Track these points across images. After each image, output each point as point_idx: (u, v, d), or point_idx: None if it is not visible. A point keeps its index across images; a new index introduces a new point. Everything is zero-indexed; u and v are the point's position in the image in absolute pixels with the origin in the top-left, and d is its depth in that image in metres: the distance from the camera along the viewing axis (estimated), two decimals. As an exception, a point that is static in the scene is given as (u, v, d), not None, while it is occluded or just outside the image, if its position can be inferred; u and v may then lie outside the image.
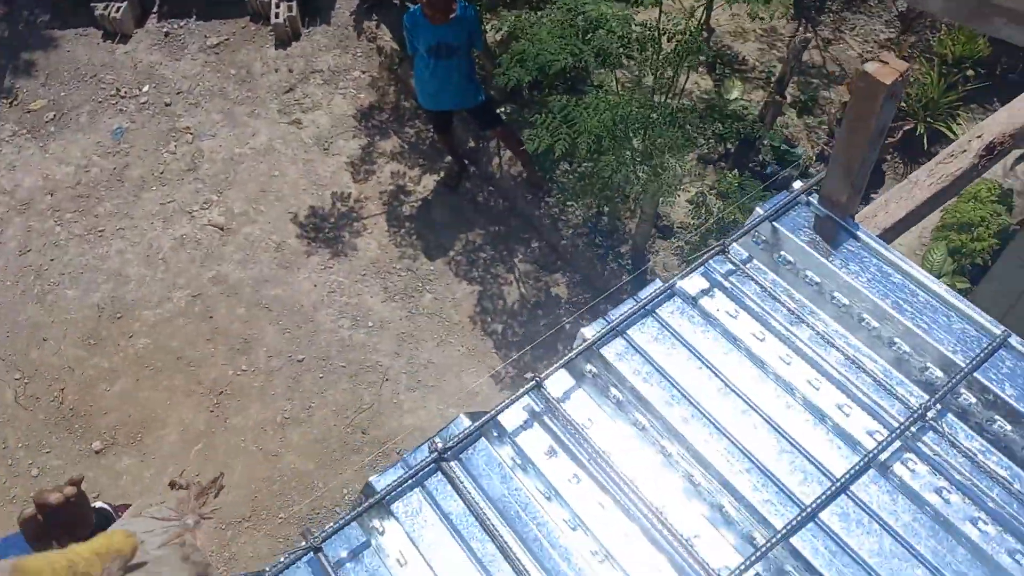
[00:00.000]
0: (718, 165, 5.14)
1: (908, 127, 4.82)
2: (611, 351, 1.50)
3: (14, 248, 5.24)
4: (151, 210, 5.33)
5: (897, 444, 1.37)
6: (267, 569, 1.34)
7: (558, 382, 1.48)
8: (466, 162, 5.40)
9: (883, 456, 1.39)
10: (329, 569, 1.33)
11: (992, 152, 2.01)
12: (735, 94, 4.91)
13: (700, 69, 5.41)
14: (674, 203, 4.91)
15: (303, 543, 1.34)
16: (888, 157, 5.02)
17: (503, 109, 5.32)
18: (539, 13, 3.82)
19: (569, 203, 5.08)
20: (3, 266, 5.16)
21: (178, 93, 5.84)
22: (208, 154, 5.56)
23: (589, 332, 1.51)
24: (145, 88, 5.87)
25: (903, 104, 5.00)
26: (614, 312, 1.53)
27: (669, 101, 3.90)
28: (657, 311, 1.54)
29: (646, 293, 1.53)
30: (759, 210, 1.65)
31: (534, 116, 3.61)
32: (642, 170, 3.84)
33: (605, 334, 1.51)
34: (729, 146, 5.13)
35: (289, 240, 5.18)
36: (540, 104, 4.70)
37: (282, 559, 1.31)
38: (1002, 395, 1.42)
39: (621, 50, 3.45)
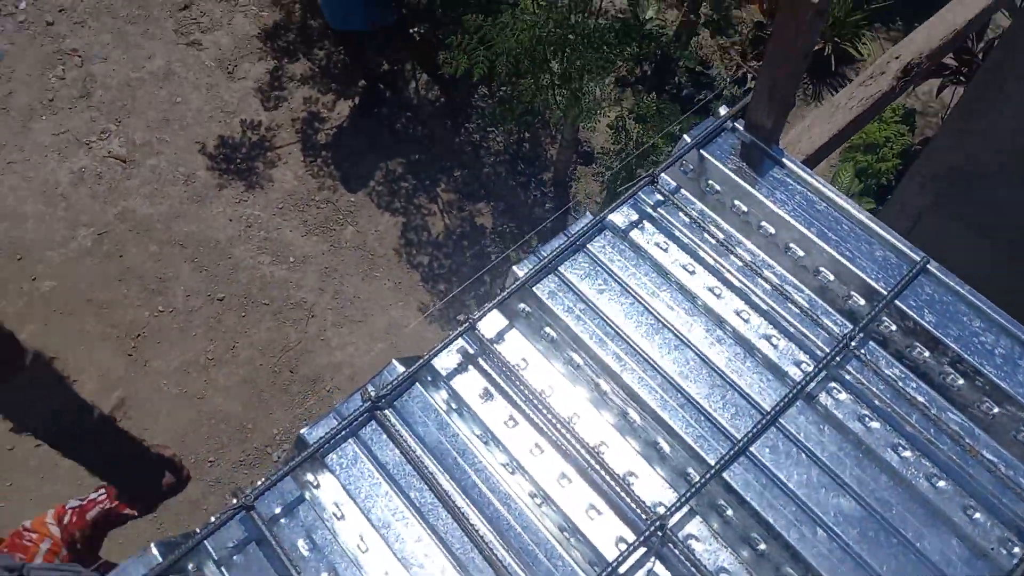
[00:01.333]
0: (636, 88, 5.32)
1: (816, 48, 5.09)
2: (543, 289, 1.58)
3: None
4: (43, 141, 5.13)
5: (823, 375, 1.53)
6: (198, 530, 1.37)
7: (491, 323, 1.58)
8: (381, 86, 5.38)
9: (810, 387, 1.53)
10: (263, 526, 1.37)
11: (910, 74, 2.18)
12: (650, 13, 5.05)
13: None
14: (594, 128, 5.08)
15: (234, 501, 1.37)
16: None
17: (416, 29, 5.29)
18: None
19: (489, 129, 5.19)
20: None
21: (60, 11, 5.51)
22: (101, 79, 5.34)
23: (521, 271, 1.63)
24: (22, 5, 5.51)
25: None
26: (545, 248, 1.62)
27: (586, 20, 4.00)
28: (588, 246, 1.66)
29: (576, 228, 1.64)
30: (687, 138, 1.75)
31: (450, 37, 3.63)
32: (561, 94, 3.96)
33: (537, 271, 1.61)
34: (646, 68, 5.30)
35: (199, 172, 5.11)
36: (454, 23, 4.70)
37: (213, 519, 1.36)
38: (921, 322, 1.56)
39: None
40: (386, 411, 1.51)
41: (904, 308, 1.62)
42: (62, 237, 4.90)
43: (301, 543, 1.38)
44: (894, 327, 1.62)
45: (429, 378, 1.61)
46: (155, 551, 1.31)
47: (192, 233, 4.94)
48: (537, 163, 5.20)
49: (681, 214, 1.73)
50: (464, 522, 1.37)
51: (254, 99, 5.36)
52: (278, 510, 1.42)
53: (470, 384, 1.59)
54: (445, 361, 1.60)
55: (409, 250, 4.95)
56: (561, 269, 1.67)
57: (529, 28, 3.43)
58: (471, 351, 1.62)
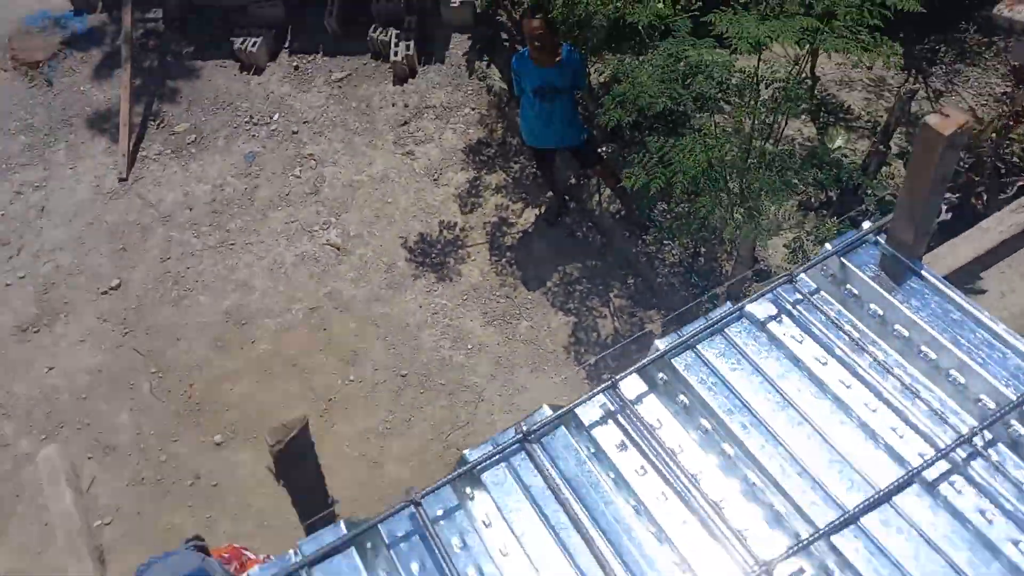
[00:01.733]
0: (819, 212, 5.41)
1: (1020, 182, 4.95)
2: (681, 362, 1.86)
3: (156, 256, 6.06)
4: (276, 228, 6.07)
5: (945, 466, 1.62)
6: (372, 517, 1.69)
7: (631, 385, 1.84)
8: (566, 198, 5.88)
9: (930, 475, 1.62)
10: (427, 522, 1.68)
11: None
12: (839, 142, 5.19)
13: (803, 117, 5.72)
14: (772, 247, 5.21)
15: (407, 499, 1.71)
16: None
17: (604, 148, 5.78)
18: (641, 58, 4.25)
19: (666, 242, 5.47)
20: (146, 271, 5.98)
21: (304, 122, 6.60)
22: (329, 179, 6.27)
23: (662, 344, 1.88)
24: (275, 117, 6.67)
25: (1017, 159, 5.12)
26: (686, 328, 1.88)
27: (767, 146, 4.24)
28: (726, 330, 1.88)
29: (716, 313, 1.88)
30: (828, 246, 1.94)
31: (633, 156, 4.02)
32: (738, 212, 4.18)
33: (676, 346, 1.87)
34: (831, 194, 5.40)
35: (399, 263, 5.79)
36: (639, 144, 5.13)
37: (386, 509, 1.70)
38: None
39: (719, 95, 3.83)
40: (534, 444, 1.77)
41: None
42: (280, 308, 5.69)
43: (455, 541, 1.64)
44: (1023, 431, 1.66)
45: (574, 424, 1.86)
46: (343, 526, 1.62)
47: (386, 315, 5.55)
48: (711, 277, 5.37)
49: (818, 312, 1.90)
50: (591, 544, 1.56)
51: (453, 203, 6.04)
52: (439, 512, 1.70)
53: (608, 434, 1.83)
54: (588, 412, 1.86)
55: (578, 348, 5.23)
56: (699, 347, 1.89)
57: (709, 150, 3.75)
58: (612, 407, 1.87)
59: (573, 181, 5.94)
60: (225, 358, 5.53)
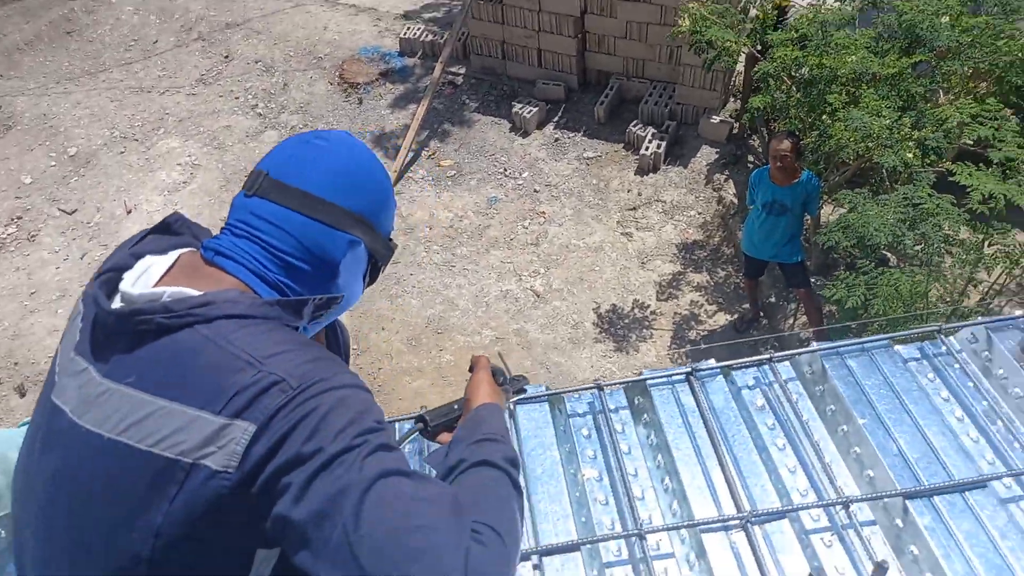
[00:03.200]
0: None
1: None
2: (829, 361, 2.18)
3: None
4: (493, 264, 6.76)
5: (1013, 487, 1.84)
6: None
7: (783, 369, 2.22)
8: (761, 313, 6.05)
9: (999, 488, 1.83)
10: (605, 405, 2.13)
11: None
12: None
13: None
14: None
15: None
16: None
17: (814, 280, 5.92)
18: (876, 196, 4.44)
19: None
20: (378, 266, 6.88)
21: (547, 185, 7.36)
22: (551, 237, 6.92)
23: (815, 344, 2.21)
24: (524, 174, 7.50)
25: None
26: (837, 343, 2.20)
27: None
28: (873, 353, 2.16)
29: (869, 342, 2.18)
30: (980, 318, 2.22)
31: (841, 274, 4.21)
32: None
33: (825, 350, 2.20)
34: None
35: (586, 323, 6.22)
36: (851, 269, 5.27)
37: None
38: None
39: (944, 245, 3.94)
40: (696, 381, 2.13)
41: None
42: (472, 330, 6.30)
43: (617, 427, 2.07)
44: None
45: (730, 380, 2.23)
46: (544, 387, 2.08)
47: (559, 364, 5.97)
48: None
49: (953, 366, 2.12)
50: (722, 460, 1.87)
51: (652, 288, 6.41)
52: (612, 406, 2.15)
53: (753, 396, 2.09)
54: (742, 377, 2.19)
55: (727, 450, 5.30)
56: (845, 357, 2.16)
57: (916, 285, 3.87)
58: (765, 379, 2.17)
59: (772, 300, 6.10)
60: (414, 355, 6.19)
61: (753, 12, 5.92)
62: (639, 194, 7.15)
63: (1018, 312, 2.16)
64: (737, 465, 1.95)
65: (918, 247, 3.81)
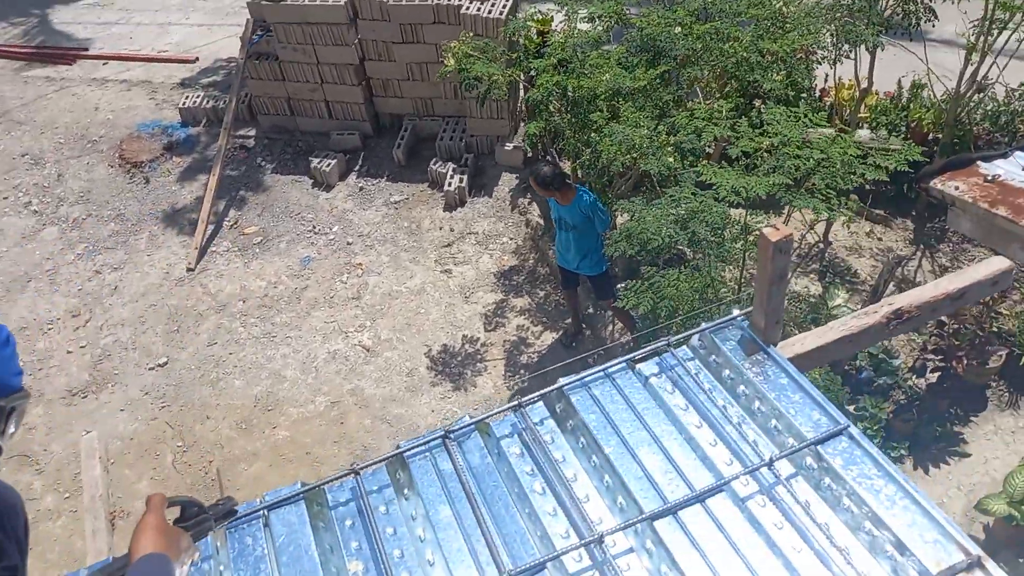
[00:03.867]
0: (819, 363, 5.61)
1: (1003, 351, 5.10)
2: (576, 396, 2.30)
3: (204, 340, 6.60)
4: (316, 325, 6.57)
5: (752, 484, 2.00)
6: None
7: (536, 410, 2.23)
8: (583, 325, 6.23)
9: (740, 489, 2.01)
10: (363, 491, 2.05)
11: (901, 318, 2.55)
12: (838, 301, 5.47)
13: (811, 275, 6.05)
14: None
15: (354, 466, 2.05)
16: (993, 383, 5.27)
17: (623, 285, 6.17)
18: (651, 203, 4.71)
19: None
20: (193, 353, 6.50)
21: (360, 236, 7.26)
22: (372, 287, 6.82)
23: (564, 380, 2.26)
24: (335, 228, 7.36)
25: (994, 330, 5.27)
26: (585, 372, 2.27)
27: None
28: (615, 378, 2.27)
29: (610, 366, 2.27)
30: (704, 323, 2.40)
31: (629, 282, 4.44)
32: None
33: (573, 383, 2.33)
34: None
35: (420, 368, 6.16)
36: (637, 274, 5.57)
37: (328, 476, 2.06)
38: (832, 464, 2.02)
39: (712, 238, 4.22)
40: (452, 442, 2.11)
41: (822, 452, 2.10)
42: (304, 399, 6.07)
43: (381, 508, 2.02)
44: (815, 465, 2.06)
45: (487, 433, 2.20)
46: (299, 484, 1.98)
47: (400, 416, 5.87)
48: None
49: (686, 372, 2.28)
50: (481, 522, 1.86)
51: (479, 320, 6.46)
52: (375, 487, 2.07)
53: (511, 444, 2.15)
54: (499, 427, 2.19)
55: (574, 466, 5.39)
56: (591, 386, 2.25)
57: (693, 282, 4.13)
58: (520, 425, 2.20)
59: (591, 311, 6.31)
60: (247, 440, 5.88)
61: (522, 40, 6.14)
62: (451, 230, 7.20)
63: (736, 312, 2.35)
64: (496, 522, 1.97)
65: (693, 244, 4.06)
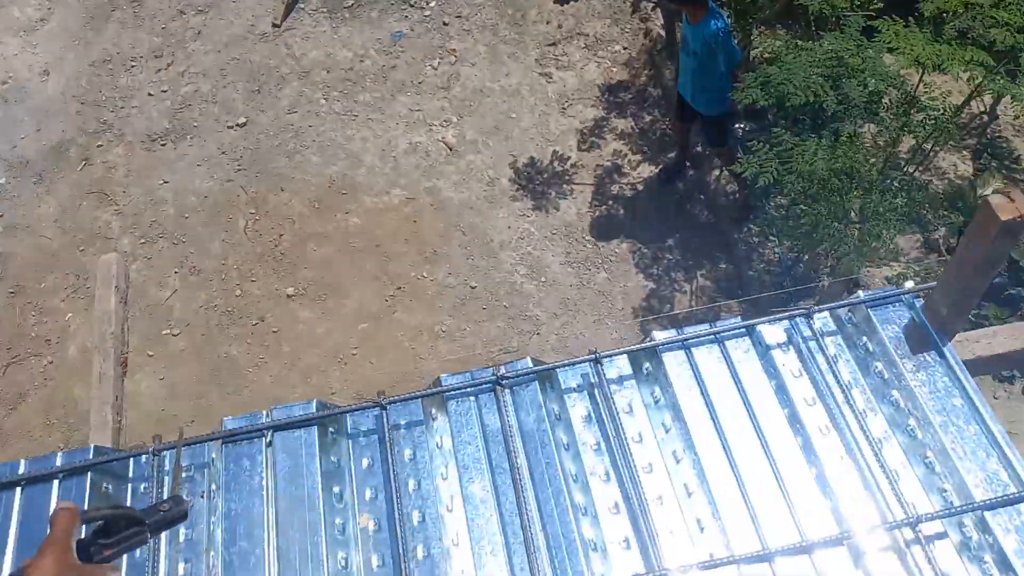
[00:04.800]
0: (941, 257, 4.99)
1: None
2: (672, 358, 1.80)
3: (285, 105, 6.27)
4: (400, 112, 6.13)
5: (884, 547, 1.56)
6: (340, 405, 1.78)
7: (616, 366, 1.81)
8: (688, 164, 5.64)
9: (865, 549, 1.57)
10: (386, 427, 1.75)
11: None
12: (989, 190, 4.72)
13: (964, 152, 5.21)
14: (873, 275, 4.87)
15: (380, 400, 1.76)
16: None
17: (741, 125, 5.48)
18: (803, 46, 3.93)
19: (771, 238, 5.19)
20: (273, 118, 6.20)
21: (457, 16, 6.55)
22: (463, 79, 6.25)
23: (660, 336, 1.82)
24: (432, 4, 6.65)
25: None
26: (687, 329, 1.81)
27: (909, 175, 3.89)
28: (726, 342, 1.80)
29: (722, 324, 1.80)
30: (861, 293, 1.84)
31: (756, 142, 3.81)
32: (852, 232, 3.91)
33: (671, 342, 1.82)
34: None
35: (502, 179, 5.76)
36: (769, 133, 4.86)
37: (353, 404, 1.76)
38: (1000, 542, 1.55)
39: (865, 104, 3.52)
40: (504, 390, 1.76)
41: (992, 524, 1.61)
42: (380, 189, 5.81)
43: (407, 452, 1.68)
44: (974, 536, 1.54)
45: (549, 385, 1.84)
46: (314, 405, 1.68)
47: (475, 225, 5.58)
48: (805, 284, 5.09)
49: (824, 354, 1.79)
50: (520, 495, 1.56)
51: (573, 137, 5.91)
52: (403, 421, 1.73)
53: (577, 403, 1.79)
54: (566, 378, 1.82)
55: (645, 315, 5.12)
56: (693, 349, 1.81)
57: (833, 160, 3.49)
58: (592, 380, 1.82)
59: (699, 149, 5.68)
60: (318, 220, 5.73)
61: None
62: (559, 26, 6.41)
63: (908, 284, 1.81)
64: (542, 513, 1.62)
65: (843, 111, 3.38)
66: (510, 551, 1.51)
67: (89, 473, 1.60)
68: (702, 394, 1.73)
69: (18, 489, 1.57)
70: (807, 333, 1.82)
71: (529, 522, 1.53)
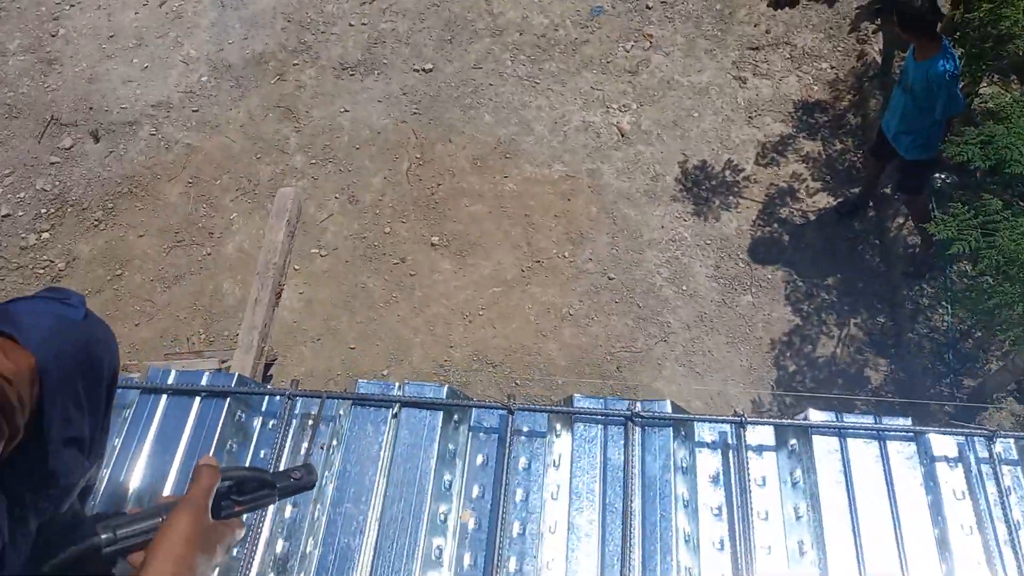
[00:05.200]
0: None
1: None
2: (822, 443, 1.66)
3: (472, 60, 6.34)
4: (581, 87, 6.06)
5: None
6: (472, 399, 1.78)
7: (759, 433, 1.69)
8: (871, 203, 5.26)
9: None
10: (509, 430, 1.72)
11: None
12: None
13: None
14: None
15: (505, 402, 1.75)
16: None
17: (942, 176, 5.03)
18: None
19: (943, 304, 4.78)
20: (457, 69, 6.30)
21: (663, 2, 6.36)
22: (652, 67, 6.08)
23: (816, 416, 1.68)
24: (641, -16, 6.48)
25: None
26: (850, 416, 1.67)
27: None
28: (887, 440, 1.64)
29: (886, 421, 1.64)
30: None
31: (958, 203, 3.48)
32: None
33: (826, 427, 1.68)
34: None
35: (667, 176, 5.60)
36: (974, 193, 4.41)
37: (475, 399, 1.74)
38: None
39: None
40: (635, 427, 1.68)
41: None
42: (542, 160, 5.79)
43: (522, 461, 1.65)
44: None
45: (683, 434, 1.74)
46: (445, 391, 1.69)
47: (628, 216, 5.47)
48: (968, 364, 4.67)
49: (999, 485, 1.58)
50: (627, 542, 1.50)
51: (753, 149, 5.64)
52: (525, 428, 1.70)
53: (707, 462, 1.69)
54: (703, 432, 1.72)
55: (784, 351, 4.87)
56: (848, 438, 1.67)
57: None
58: (730, 441, 1.71)
59: (888, 191, 5.28)
60: (477, 177, 5.80)
61: None
62: (767, 31, 6.09)
63: None
64: (645, 564, 1.54)
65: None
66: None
67: (228, 399, 1.69)
68: (847, 490, 1.59)
69: (164, 396, 1.69)
70: (983, 455, 1.63)
71: (629, 572, 1.47)
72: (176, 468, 1.56)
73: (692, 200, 5.49)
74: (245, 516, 1.12)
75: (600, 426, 1.69)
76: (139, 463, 1.59)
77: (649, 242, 5.36)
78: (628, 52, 6.18)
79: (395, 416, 1.66)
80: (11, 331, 0.97)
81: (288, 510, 1.55)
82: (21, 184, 6.04)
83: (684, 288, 5.16)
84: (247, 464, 1.62)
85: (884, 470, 1.59)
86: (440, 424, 1.64)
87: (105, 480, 1.52)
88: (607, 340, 5.02)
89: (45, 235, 5.84)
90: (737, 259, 5.24)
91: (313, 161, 6.03)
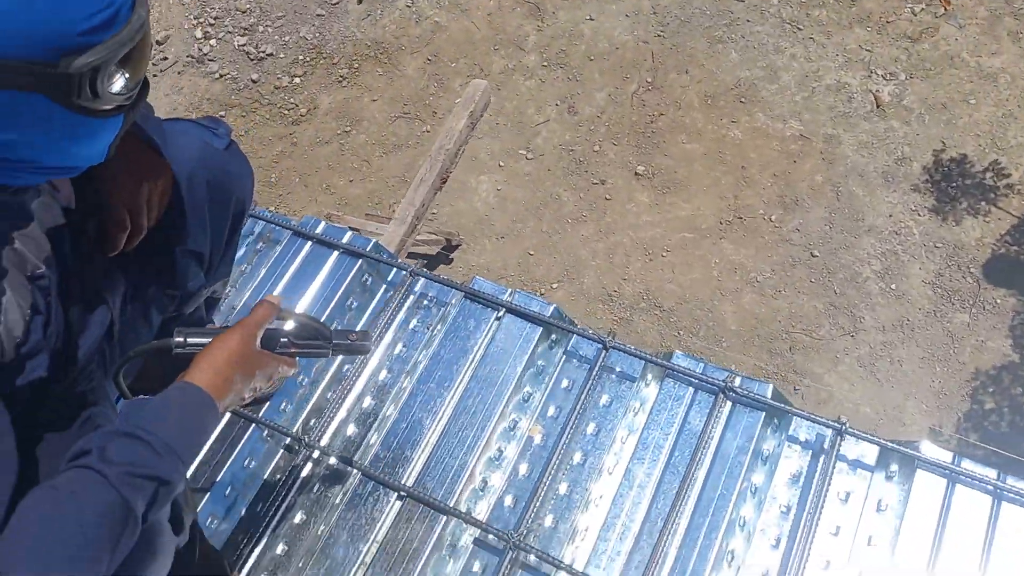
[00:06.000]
0: None
1: None
2: (927, 476, 1.50)
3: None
4: (847, 45, 5.52)
5: None
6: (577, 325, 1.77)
7: (859, 448, 1.54)
8: None
9: None
10: (599, 365, 1.70)
11: None
12: None
13: None
14: None
15: (605, 338, 1.71)
16: None
17: None
18: None
19: None
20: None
21: (976, -37, 5.54)
22: (940, 38, 5.39)
23: (927, 449, 1.51)
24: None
25: None
26: (968, 463, 1.49)
27: None
28: (1004, 501, 1.45)
29: (1017, 483, 1.45)
30: None
31: None
32: None
33: (939, 466, 1.51)
34: None
35: (914, 162, 5.03)
36: None
37: (584, 329, 1.74)
38: None
39: None
40: (724, 401, 1.61)
41: None
42: (778, 114, 5.41)
43: (604, 398, 1.65)
44: None
45: (774, 423, 1.65)
46: (551, 311, 1.70)
47: (854, 195, 5.02)
48: None
49: None
50: (678, 505, 1.47)
51: (1030, 154, 4.90)
52: (617, 368, 1.70)
53: (793, 457, 1.58)
54: (797, 426, 1.61)
55: (986, 385, 4.35)
56: (958, 484, 1.48)
57: None
58: (824, 445, 1.59)
59: None
60: (702, 114, 5.56)
61: None
62: (1096, 21, 5.15)
63: None
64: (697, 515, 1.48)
65: None
66: (636, 545, 1.46)
67: (361, 261, 1.82)
68: (935, 536, 1.42)
69: (308, 242, 1.85)
70: None
71: (670, 535, 1.44)
72: (301, 307, 1.73)
73: (935, 195, 4.91)
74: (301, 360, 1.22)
75: (691, 388, 1.63)
76: (272, 293, 1.78)
77: (870, 228, 4.90)
78: (915, 15, 5.51)
79: (499, 319, 1.70)
80: (159, 144, 1.12)
81: (383, 374, 1.68)
82: (288, 28, 6.64)
83: (893, 287, 4.71)
84: (352, 323, 1.74)
85: (988, 531, 1.40)
86: (537, 339, 1.67)
87: (243, 302, 1.72)
88: (788, 318, 4.74)
89: (297, 80, 6.42)
90: (966, 272, 4.67)
91: (545, 64, 6.06)
